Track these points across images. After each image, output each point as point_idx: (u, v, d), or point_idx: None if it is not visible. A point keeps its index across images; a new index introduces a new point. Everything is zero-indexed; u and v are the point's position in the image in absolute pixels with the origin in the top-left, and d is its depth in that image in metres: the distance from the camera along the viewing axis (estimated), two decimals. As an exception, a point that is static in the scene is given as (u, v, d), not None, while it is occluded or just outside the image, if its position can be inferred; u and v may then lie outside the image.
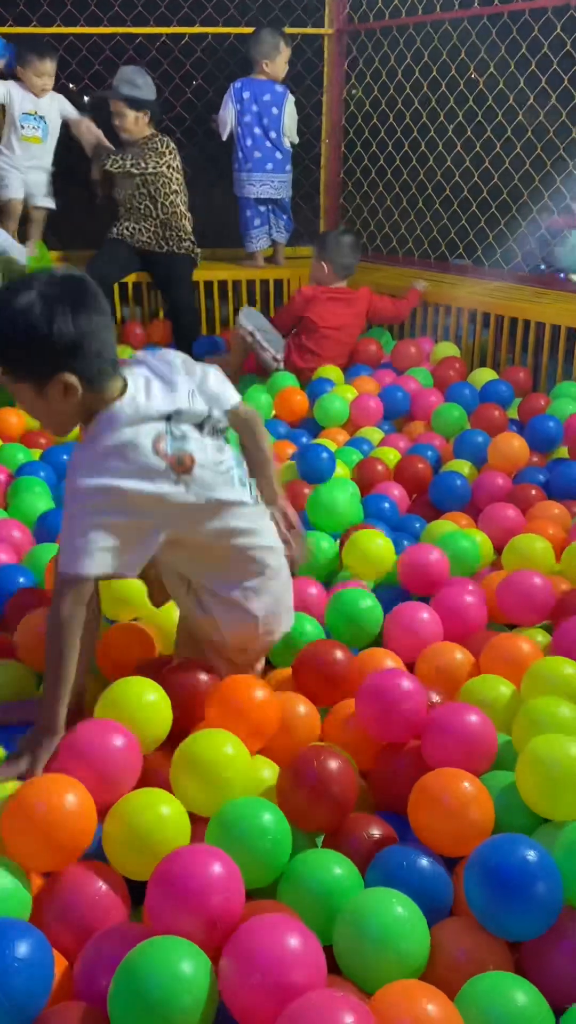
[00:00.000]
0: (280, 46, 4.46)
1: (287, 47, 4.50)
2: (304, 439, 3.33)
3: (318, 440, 3.23)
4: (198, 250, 4.37)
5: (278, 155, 4.55)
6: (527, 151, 4.05)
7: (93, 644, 1.81)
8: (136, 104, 4.11)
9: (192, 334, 4.37)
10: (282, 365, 3.84)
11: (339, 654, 1.82)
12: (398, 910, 1.26)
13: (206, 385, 1.73)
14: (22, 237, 4.21)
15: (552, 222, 4.10)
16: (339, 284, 3.92)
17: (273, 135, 4.51)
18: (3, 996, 1.14)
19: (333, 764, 1.49)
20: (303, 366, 3.82)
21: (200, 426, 1.67)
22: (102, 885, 1.35)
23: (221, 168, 4.69)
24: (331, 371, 3.76)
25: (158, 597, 1.95)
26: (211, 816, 1.45)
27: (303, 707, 1.73)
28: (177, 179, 4.23)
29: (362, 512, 2.65)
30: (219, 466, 1.68)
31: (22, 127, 4.13)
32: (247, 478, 1.78)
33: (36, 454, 3.07)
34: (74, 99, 4.35)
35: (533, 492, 2.68)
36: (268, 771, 1.62)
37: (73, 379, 1.53)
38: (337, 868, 1.37)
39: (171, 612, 2.00)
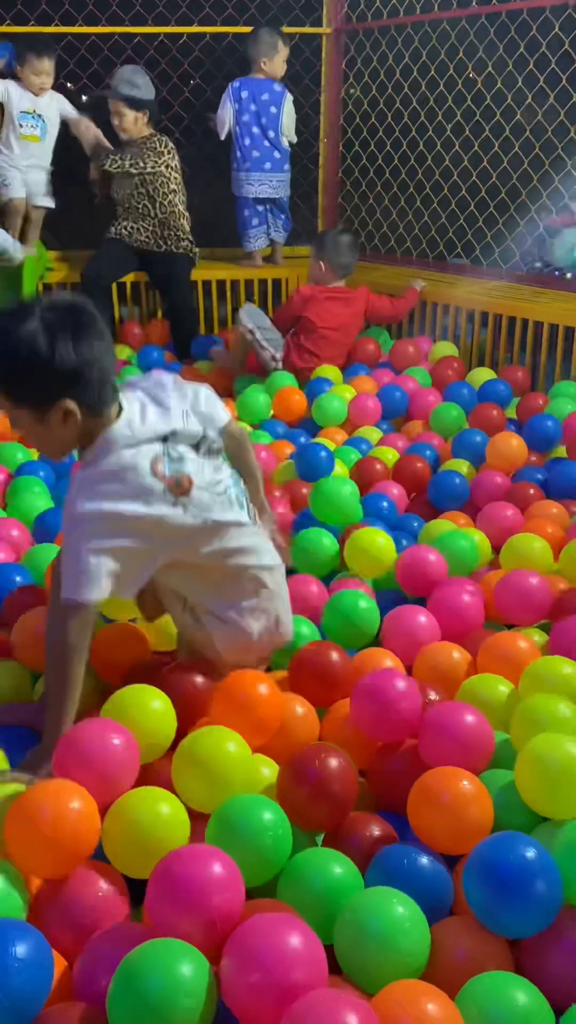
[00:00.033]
0: (278, 45, 4.46)
1: (285, 46, 4.50)
2: (302, 439, 3.33)
3: (316, 440, 3.23)
4: (196, 249, 4.37)
5: (276, 154, 4.55)
6: (525, 150, 4.05)
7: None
8: (135, 104, 4.10)
9: (190, 334, 4.36)
10: (280, 365, 3.85)
11: (335, 656, 1.82)
12: (398, 909, 1.26)
13: (198, 405, 1.74)
14: (21, 237, 4.20)
15: (550, 221, 4.10)
16: (337, 283, 3.92)
17: (271, 134, 4.51)
18: (3, 996, 1.14)
19: (333, 763, 1.49)
20: (301, 366, 3.81)
21: (196, 447, 1.68)
22: (102, 885, 1.35)
23: (219, 167, 4.69)
24: (329, 371, 3.76)
25: (151, 611, 1.94)
26: (212, 813, 1.44)
27: (301, 707, 1.73)
28: (175, 179, 4.23)
29: (361, 511, 2.65)
30: (216, 486, 1.68)
31: (20, 126, 4.11)
32: (244, 497, 1.78)
33: (35, 454, 3.07)
34: (72, 98, 4.34)
35: (531, 491, 2.68)
36: (268, 769, 1.62)
37: (73, 405, 1.54)
38: (337, 867, 1.36)
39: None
